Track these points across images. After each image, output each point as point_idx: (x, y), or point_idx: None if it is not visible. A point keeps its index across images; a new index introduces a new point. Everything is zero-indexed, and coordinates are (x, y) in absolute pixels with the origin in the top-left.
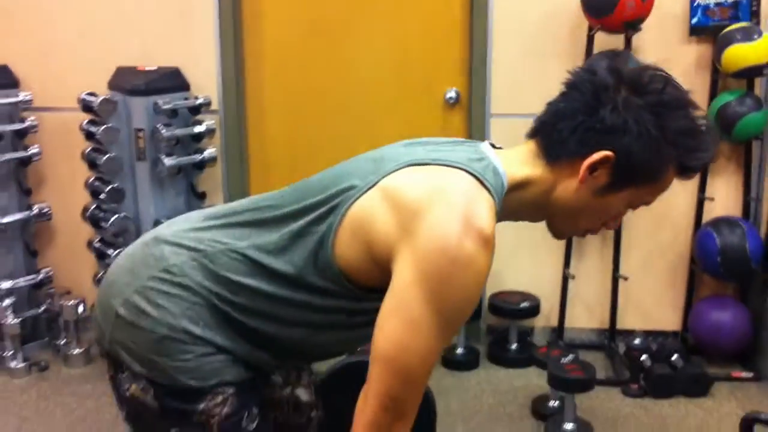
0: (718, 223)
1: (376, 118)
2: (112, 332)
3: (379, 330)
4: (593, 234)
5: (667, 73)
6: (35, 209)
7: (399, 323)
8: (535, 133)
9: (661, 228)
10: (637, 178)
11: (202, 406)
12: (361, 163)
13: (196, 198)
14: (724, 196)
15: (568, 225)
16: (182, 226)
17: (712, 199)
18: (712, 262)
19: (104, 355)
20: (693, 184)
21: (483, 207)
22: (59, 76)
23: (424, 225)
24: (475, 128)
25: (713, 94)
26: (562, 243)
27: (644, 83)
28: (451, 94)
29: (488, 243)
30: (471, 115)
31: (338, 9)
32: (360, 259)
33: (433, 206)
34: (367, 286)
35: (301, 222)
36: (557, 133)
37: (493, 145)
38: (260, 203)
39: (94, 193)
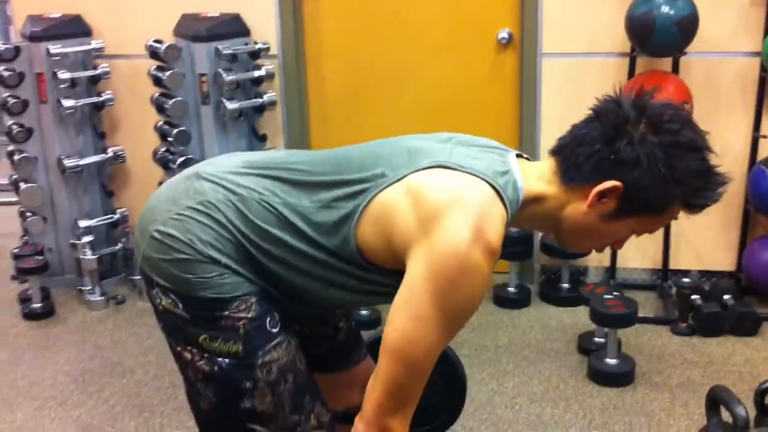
0: None
1: (430, 59)
2: (146, 250)
3: (390, 322)
4: (598, 252)
5: (687, 114)
6: (110, 152)
7: (408, 318)
8: (556, 152)
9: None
10: (642, 209)
11: (227, 312)
12: (397, 151)
13: (258, 140)
14: None
15: (574, 242)
16: (223, 167)
17: (765, 137)
18: (764, 200)
19: (140, 272)
20: (747, 122)
21: (495, 221)
22: (128, 25)
23: (440, 229)
24: (527, 68)
25: None
26: None
27: (663, 122)
28: (504, 34)
29: (494, 255)
30: (523, 56)
31: None
32: (378, 244)
33: (452, 213)
34: (378, 265)
35: (331, 195)
36: (575, 157)
37: (520, 155)
38: (296, 164)
39: (163, 136)
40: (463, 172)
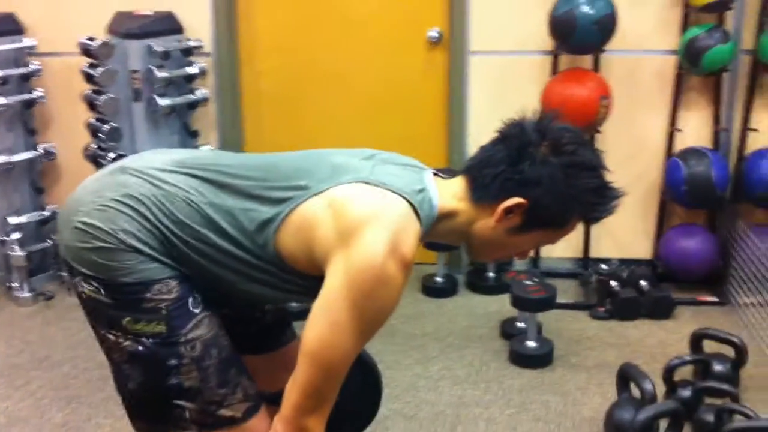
0: (686, 153)
1: (363, 58)
2: (68, 240)
3: (309, 328)
4: (504, 261)
5: (584, 136)
6: (41, 149)
7: (325, 324)
8: (466, 172)
9: (634, 159)
10: (545, 223)
11: (149, 295)
12: (322, 165)
13: (190, 136)
14: (695, 128)
15: (482, 253)
16: (150, 164)
17: (680, 130)
18: (678, 190)
19: (63, 262)
20: (664, 116)
21: (410, 235)
22: (62, 22)
23: (359, 242)
24: (456, 66)
25: (684, 28)
26: None
27: (562, 144)
28: (434, 33)
29: (408, 267)
30: (452, 53)
31: None
32: (298, 252)
33: (370, 227)
34: (296, 269)
35: (255, 200)
36: (482, 177)
37: (436, 173)
38: (223, 167)
39: (94, 133)
40: (382, 188)
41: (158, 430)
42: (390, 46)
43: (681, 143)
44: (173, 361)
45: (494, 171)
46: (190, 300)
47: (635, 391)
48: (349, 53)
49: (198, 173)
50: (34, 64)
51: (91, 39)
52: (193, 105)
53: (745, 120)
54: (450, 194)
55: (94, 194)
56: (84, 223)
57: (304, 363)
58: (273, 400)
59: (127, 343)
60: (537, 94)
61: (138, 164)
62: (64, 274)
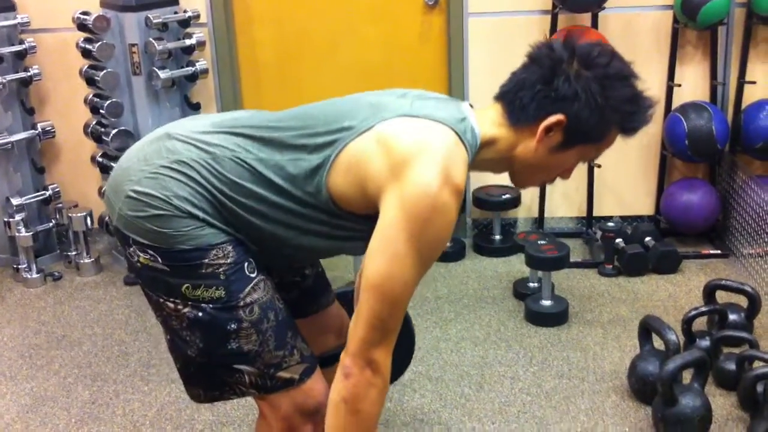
0: (685, 107)
1: (360, 23)
2: (121, 209)
3: (369, 262)
4: (549, 184)
5: (613, 49)
6: (39, 128)
7: (385, 257)
8: (500, 98)
9: None
10: (585, 138)
11: (206, 261)
12: (361, 105)
13: (191, 109)
14: (692, 82)
15: (527, 177)
16: (193, 127)
17: (679, 86)
18: (680, 145)
19: (114, 231)
20: (662, 71)
21: (459, 163)
22: None
23: (410, 173)
24: (454, 28)
25: None
26: None
27: (593, 57)
28: None
29: (460, 194)
30: (450, 16)
31: None
32: (351, 192)
33: (420, 157)
34: (349, 211)
35: (303, 150)
36: (519, 100)
37: (470, 104)
38: (263, 122)
39: (94, 109)
40: (427, 120)
41: (214, 396)
42: (387, 10)
43: (678, 98)
44: (233, 326)
45: (530, 92)
46: (246, 264)
47: (656, 343)
48: (345, 20)
49: (241, 131)
50: (29, 41)
51: (85, 13)
52: (192, 77)
53: (742, 73)
54: (489, 122)
55: (142, 162)
56: (136, 191)
57: (367, 297)
58: (319, 363)
59: (186, 309)
60: None
61: (181, 130)
62: (71, 253)
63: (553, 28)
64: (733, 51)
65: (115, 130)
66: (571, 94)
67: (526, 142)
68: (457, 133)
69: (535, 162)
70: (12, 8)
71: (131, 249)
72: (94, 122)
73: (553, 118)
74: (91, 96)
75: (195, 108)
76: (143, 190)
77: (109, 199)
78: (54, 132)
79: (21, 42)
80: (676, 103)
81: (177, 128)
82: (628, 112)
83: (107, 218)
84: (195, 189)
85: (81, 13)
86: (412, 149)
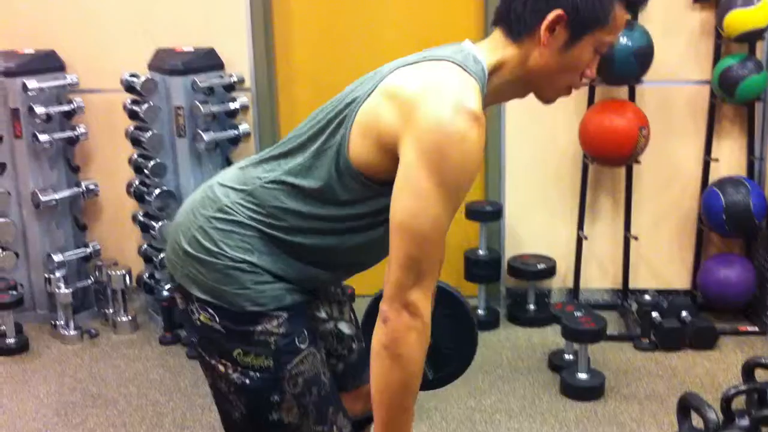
0: (723, 182)
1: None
2: (182, 267)
3: (393, 205)
4: (576, 88)
5: None
6: (83, 186)
7: (408, 195)
8: (497, 21)
9: (669, 189)
10: (590, 24)
11: (260, 327)
12: (361, 80)
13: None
14: (729, 156)
15: (550, 87)
16: (230, 171)
17: (716, 160)
18: (717, 219)
19: (175, 289)
20: (699, 146)
21: (469, 90)
22: (102, 60)
23: (421, 113)
24: None
25: (717, 58)
26: (575, 204)
27: None
28: None
29: (478, 119)
30: None
31: None
32: (373, 155)
33: (428, 96)
34: (383, 180)
35: (319, 140)
36: (513, 12)
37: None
38: (283, 140)
39: (138, 169)
40: (426, 62)
41: None
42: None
43: (715, 172)
44: (276, 397)
45: (518, 2)
46: (298, 336)
47: (694, 421)
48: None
49: (266, 156)
50: (77, 101)
51: (134, 75)
52: (235, 140)
53: None
54: (491, 48)
55: (190, 214)
56: (191, 246)
57: (396, 238)
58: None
59: (235, 375)
60: (573, 123)
61: (223, 176)
62: (108, 311)
63: (591, 99)
64: None
65: (158, 190)
66: None
67: (535, 52)
68: (459, 65)
69: (550, 67)
70: (62, 68)
71: (192, 306)
72: (137, 182)
73: (551, 15)
74: (135, 156)
75: None
76: (197, 243)
77: (169, 256)
78: (97, 190)
79: (69, 102)
80: (713, 177)
81: (219, 176)
82: None
83: (159, 276)
84: (242, 233)
85: (130, 75)
86: (418, 91)
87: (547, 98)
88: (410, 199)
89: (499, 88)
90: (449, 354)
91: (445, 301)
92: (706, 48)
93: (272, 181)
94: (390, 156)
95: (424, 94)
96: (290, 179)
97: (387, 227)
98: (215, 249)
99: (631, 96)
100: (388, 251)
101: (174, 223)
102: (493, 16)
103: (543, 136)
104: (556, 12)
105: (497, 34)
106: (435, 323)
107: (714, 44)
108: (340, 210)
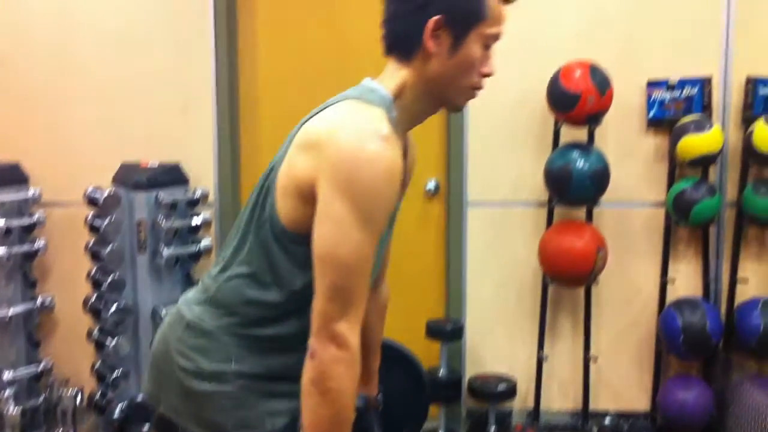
0: (680, 303)
1: None
2: (166, 397)
3: (314, 238)
4: (479, 88)
5: None
6: (39, 301)
7: (326, 226)
8: (387, 51)
9: (628, 309)
10: (469, 22)
11: None
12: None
13: (192, 287)
14: (685, 277)
15: (454, 93)
16: (190, 290)
17: (673, 281)
18: (675, 341)
19: (158, 419)
20: (656, 266)
21: (371, 116)
22: (67, 173)
23: (329, 148)
24: (454, 216)
25: (671, 182)
26: (536, 323)
27: None
28: (431, 185)
29: (385, 139)
30: (449, 205)
31: None
32: (301, 210)
33: (333, 133)
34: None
35: (254, 221)
36: (395, 35)
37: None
38: (228, 236)
39: (96, 284)
40: (324, 109)
41: None
42: None
43: (672, 293)
44: None
45: (399, 20)
46: None
47: None
48: None
49: (217, 260)
50: (38, 215)
51: (97, 189)
52: (196, 255)
53: (734, 270)
54: (389, 76)
55: (164, 343)
56: (173, 370)
57: (319, 269)
58: None
59: None
60: (533, 243)
61: (183, 296)
62: (57, 431)
63: (550, 220)
64: (725, 249)
65: (115, 306)
66: None
67: (428, 64)
68: (356, 99)
69: (446, 73)
70: (25, 181)
71: None
72: (94, 297)
73: (430, 23)
74: (94, 271)
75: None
76: (178, 366)
77: (148, 387)
78: (53, 305)
79: (30, 215)
80: (671, 298)
81: (181, 298)
82: None
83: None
84: (215, 344)
85: (93, 189)
86: (323, 132)
87: (455, 105)
88: (329, 229)
89: (409, 110)
90: (401, 416)
91: (399, 363)
92: (660, 171)
93: (228, 279)
94: (315, 205)
95: (329, 132)
96: (244, 269)
97: None
98: (192, 367)
99: (589, 217)
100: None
101: (152, 354)
102: (383, 48)
103: (504, 255)
104: (434, 18)
105: (391, 63)
106: (388, 384)
107: (668, 168)
108: (301, 279)
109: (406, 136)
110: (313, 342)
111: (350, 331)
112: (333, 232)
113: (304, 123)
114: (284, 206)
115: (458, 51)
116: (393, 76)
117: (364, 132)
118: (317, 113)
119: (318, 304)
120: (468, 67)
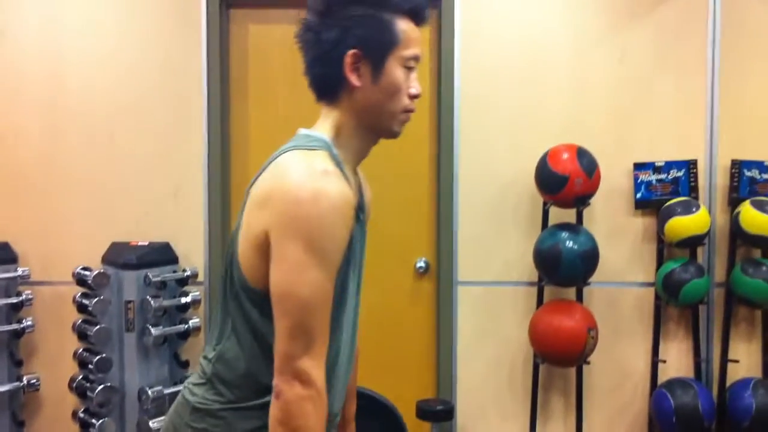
0: (672, 383)
1: None
2: None
3: (271, 282)
4: (412, 111)
5: None
6: (24, 380)
7: (281, 267)
8: (317, 99)
9: (620, 389)
10: (384, 49)
11: None
12: None
13: (180, 367)
14: (677, 357)
15: (387, 120)
16: (192, 375)
17: (664, 361)
18: (668, 422)
19: None
20: (647, 346)
21: (313, 158)
22: (57, 251)
23: (275, 197)
24: (444, 295)
25: (660, 262)
26: (528, 403)
27: (312, 1)
28: (421, 263)
29: (329, 174)
30: (439, 283)
31: None
32: (265, 268)
33: (277, 182)
34: None
35: (228, 292)
36: (318, 79)
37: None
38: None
39: (82, 364)
40: (269, 164)
41: None
42: (378, 275)
43: (664, 373)
44: None
45: (318, 65)
46: None
47: None
48: None
49: (208, 341)
50: (26, 293)
51: (86, 269)
52: (184, 334)
53: (724, 350)
54: (323, 122)
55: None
56: None
57: (278, 310)
58: None
59: None
60: (523, 322)
61: (186, 382)
62: None
63: (540, 299)
64: (715, 329)
65: (101, 386)
66: (336, 33)
67: (355, 98)
68: (293, 149)
69: (375, 102)
70: (14, 260)
71: None
72: (80, 377)
73: (347, 58)
74: (80, 350)
75: (183, 366)
76: None
77: None
78: (38, 385)
79: (18, 294)
80: (662, 378)
81: (189, 378)
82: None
83: None
84: (221, 423)
85: (82, 269)
86: (269, 185)
87: (391, 132)
88: (284, 269)
89: (350, 147)
90: None
91: (380, 413)
92: (649, 251)
93: (220, 356)
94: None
95: (273, 183)
96: (232, 342)
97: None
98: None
99: (579, 297)
100: (352, 359)
101: None
102: (314, 96)
103: (494, 334)
104: (350, 52)
105: (323, 108)
106: None
107: (657, 248)
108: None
109: (358, 173)
110: (277, 382)
111: (314, 368)
112: (288, 272)
113: (252, 185)
114: (250, 268)
115: (381, 78)
116: (326, 118)
117: (306, 172)
118: (261, 173)
119: (280, 345)
120: (394, 92)
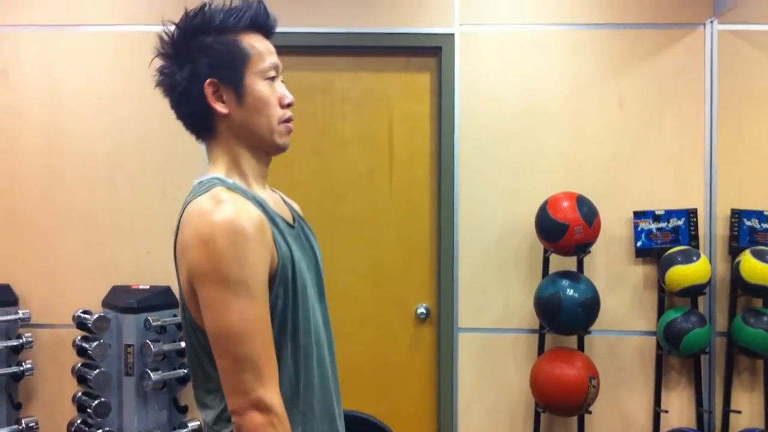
0: None
1: (352, 331)
2: None
3: (205, 325)
4: (290, 120)
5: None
6: (23, 423)
7: (210, 308)
8: (196, 138)
9: None
10: (237, 68)
11: None
12: None
13: (179, 412)
14: (679, 407)
15: (267, 135)
16: None
17: (666, 412)
18: None
19: None
20: (649, 396)
21: (206, 200)
22: (57, 294)
23: (184, 250)
24: (444, 341)
25: (661, 311)
26: None
27: (162, 40)
28: (422, 309)
29: (221, 201)
30: (440, 330)
31: (321, 240)
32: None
33: (183, 237)
34: None
35: (189, 347)
36: (188, 118)
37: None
38: None
39: (81, 408)
40: (178, 224)
41: None
42: (379, 320)
43: (666, 423)
44: None
45: (182, 107)
46: None
47: None
48: (337, 327)
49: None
50: (26, 336)
51: (86, 312)
52: (183, 379)
53: (726, 400)
54: (212, 161)
55: None
56: None
57: (217, 350)
58: None
59: None
60: (524, 370)
61: None
62: None
63: (541, 347)
64: (717, 379)
65: (100, 431)
66: (189, 69)
67: (229, 125)
68: (195, 195)
69: (247, 121)
70: (15, 303)
71: None
72: (78, 421)
73: (206, 90)
74: (79, 394)
75: (182, 411)
76: None
77: None
78: (37, 429)
79: (19, 336)
80: (664, 428)
81: None
82: (222, 24)
83: None
84: None
85: (82, 312)
86: (180, 238)
87: (277, 146)
88: (210, 311)
89: (249, 170)
90: None
91: None
92: (650, 299)
93: (203, 403)
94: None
95: (181, 237)
96: (212, 385)
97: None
98: None
99: (580, 344)
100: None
101: None
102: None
103: (495, 381)
104: (206, 83)
105: (206, 146)
106: None
107: (657, 297)
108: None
109: (275, 190)
110: (235, 419)
111: (268, 393)
112: (214, 311)
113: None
114: (197, 316)
115: (245, 99)
116: (212, 155)
117: (200, 215)
118: (177, 232)
119: (228, 384)
120: (263, 107)
